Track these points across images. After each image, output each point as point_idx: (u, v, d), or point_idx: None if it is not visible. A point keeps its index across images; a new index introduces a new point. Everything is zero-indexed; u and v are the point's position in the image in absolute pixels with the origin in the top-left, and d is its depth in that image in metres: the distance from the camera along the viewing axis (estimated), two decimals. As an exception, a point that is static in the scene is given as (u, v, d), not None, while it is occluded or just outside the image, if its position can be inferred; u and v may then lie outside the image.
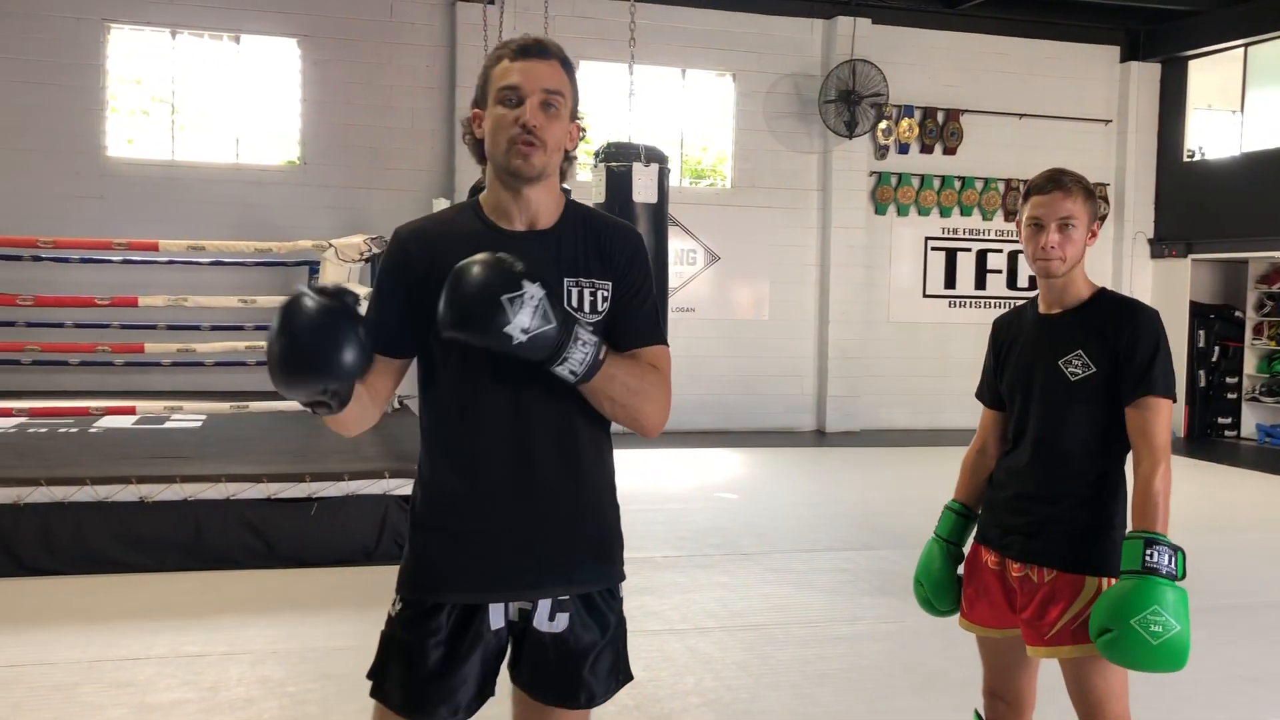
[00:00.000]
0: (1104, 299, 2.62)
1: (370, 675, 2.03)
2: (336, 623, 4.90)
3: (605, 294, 2.01)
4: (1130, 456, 2.54)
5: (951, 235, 12.82)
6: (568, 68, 2.00)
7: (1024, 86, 12.78)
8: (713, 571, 5.99)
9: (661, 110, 12.08)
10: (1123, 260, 13.24)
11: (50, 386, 9.62)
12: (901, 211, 12.59)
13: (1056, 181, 2.57)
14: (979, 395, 2.89)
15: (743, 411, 12.13)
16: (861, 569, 6.08)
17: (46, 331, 9.14)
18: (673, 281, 12.01)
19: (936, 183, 12.64)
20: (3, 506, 5.52)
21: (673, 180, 12.22)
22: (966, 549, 2.83)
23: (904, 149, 12.49)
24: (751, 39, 12.08)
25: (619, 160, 5.64)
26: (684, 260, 12.05)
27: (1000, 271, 12.96)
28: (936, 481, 9.05)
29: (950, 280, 12.80)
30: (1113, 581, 2.50)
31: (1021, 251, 11.95)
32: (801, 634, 4.94)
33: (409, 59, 11.21)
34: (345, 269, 6.67)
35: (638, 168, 5.58)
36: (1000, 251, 12.97)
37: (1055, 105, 12.91)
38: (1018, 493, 2.65)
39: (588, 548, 2.02)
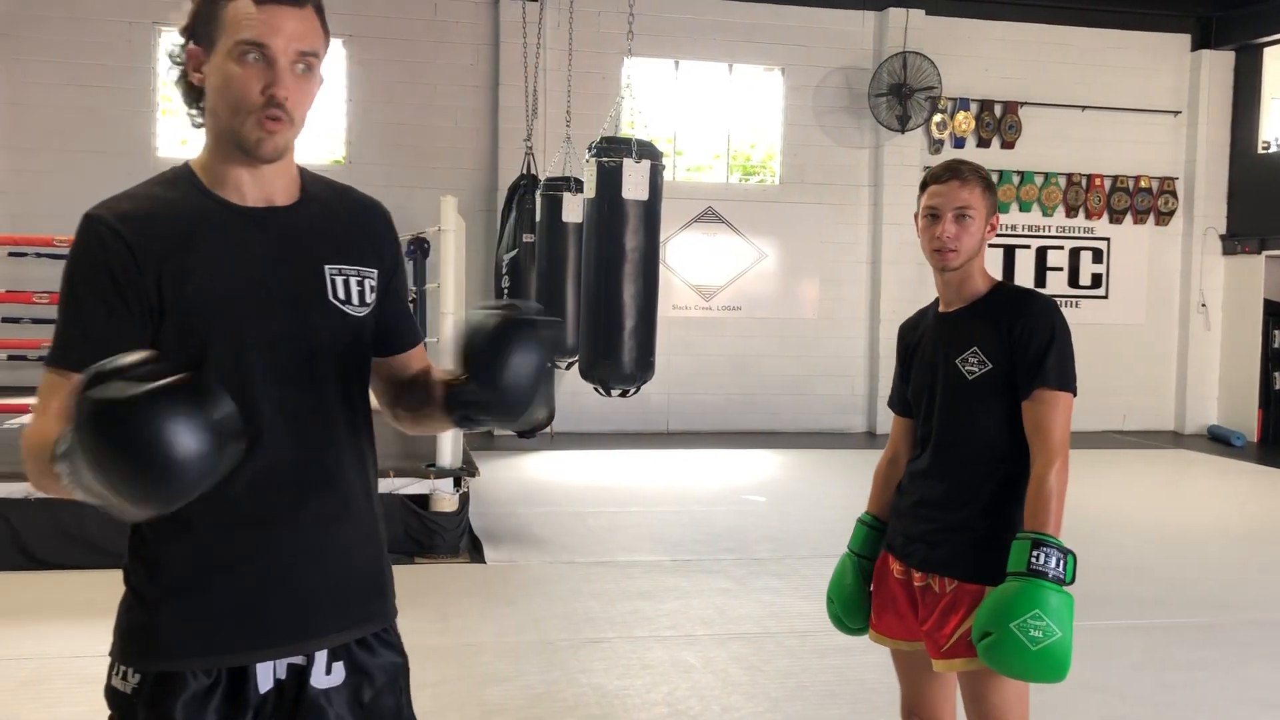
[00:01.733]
0: (1000, 292, 2.51)
1: None
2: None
3: (372, 283, 1.72)
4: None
5: (1010, 232, 12.42)
6: (321, 13, 1.64)
7: (1087, 77, 12.32)
8: (717, 577, 5.84)
9: (708, 106, 11.93)
10: (1192, 257, 12.71)
11: (21, 383, 9.87)
12: (956, 207, 12.22)
13: (954, 171, 2.46)
14: (890, 404, 2.77)
15: (790, 412, 11.91)
16: (876, 577, 5.87)
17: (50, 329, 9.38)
18: (719, 279, 11.86)
19: (994, 177, 12.23)
20: (11, 501, 5.61)
21: (719, 177, 12.11)
22: None
23: (959, 143, 12.14)
24: (800, 32, 11.85)
25: (610, 155, 5.52)
26: (731, 258, 11.87)
27: (1061, 269, 12.54)
28: None
29: (1008, 278, 12.39)
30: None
31: (1083, 249, 11.61)
32: (792, 644, 4.77)
33: (453, 57, 11.23)
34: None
35: (628, 163, 5.45)
36: (1061, 249, 12.54)
37: (1120, 96, 12.43)
38: (920, 499, 2.52)
39: (369, 580, 1.73)
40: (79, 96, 10.40)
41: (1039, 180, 12.35)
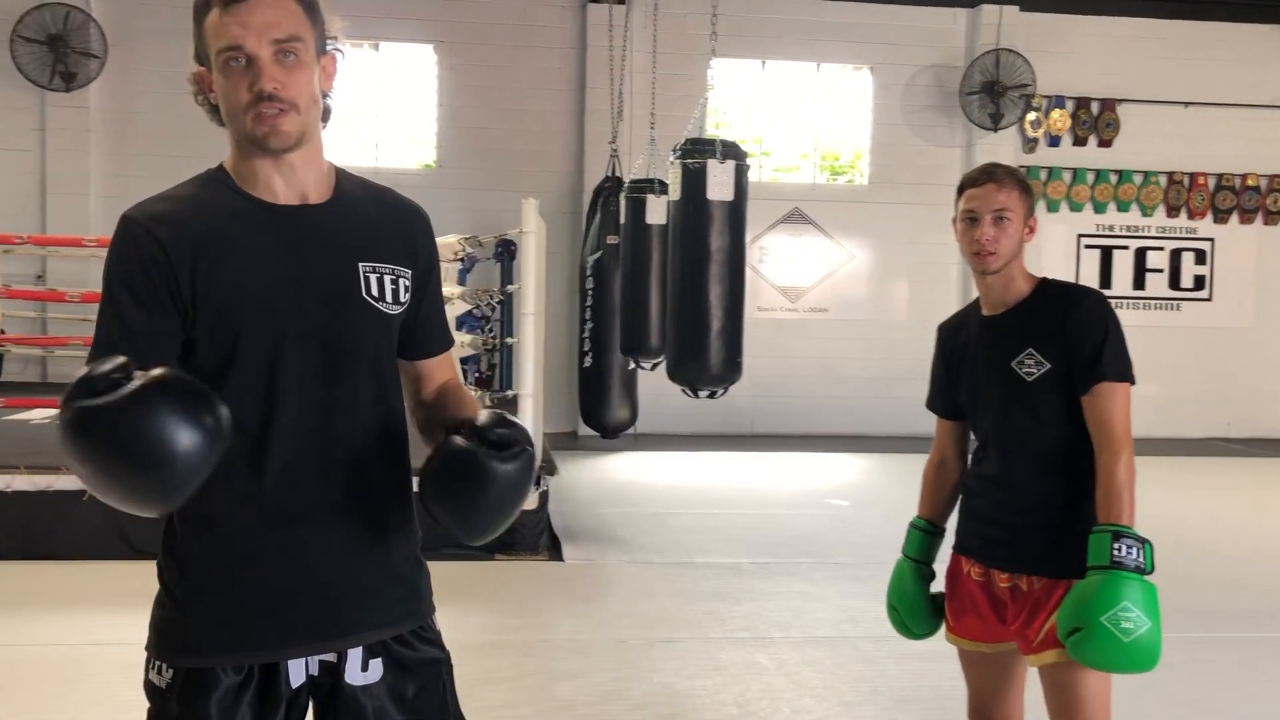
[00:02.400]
0: (1045, 290, 2.49)
1: None
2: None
3: (406, 283, 1.73)
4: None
5: (1107, 232, 12.08)
6: None
7: (1190, 72, 11.92)
8: (795, 580, 5.80)
9: (795, 106, 11.85)
10: (1306, 260, 12.22)
11: None
12: (1052, 207, 11.94)
13: (990, 174, 2.46)
14: (930, 406, 2.75)
15: (879, 416, 11.74)
16: (958, 582, 5.77)
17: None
18: (806, 281, 11.77)
19: (1090, 177, 11.94)
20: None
21: (806, 177, 12.01)
22: (938, 565, 2.70)
23: (1054, 141, 11.86)
24: (890, 30, 11.69)
25: (694, 156, 5.52)
26: (818, 259, 11.77)
27: (1161, 271, 12.14)
28: None
29: (1105, 280, 12.05)
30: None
31: (1185, 249, 11.23)
32: (869, 649, 4.71)
33: (540, 61, 11.34)
34: (441, 268, 6.77)
35: (713, 164, 5.44)
36: (1161, 250, 12.14)
37: (1225, 91, 11.99)
38: (994, 501, 2.51)
39: (404, 578, 1.75)
40: (181, 104, 10.63)
41: (1138, 179, 11.99)
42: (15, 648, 4.47)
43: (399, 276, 1.72)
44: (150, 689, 1.67)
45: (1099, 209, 12.03)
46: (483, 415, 1.63)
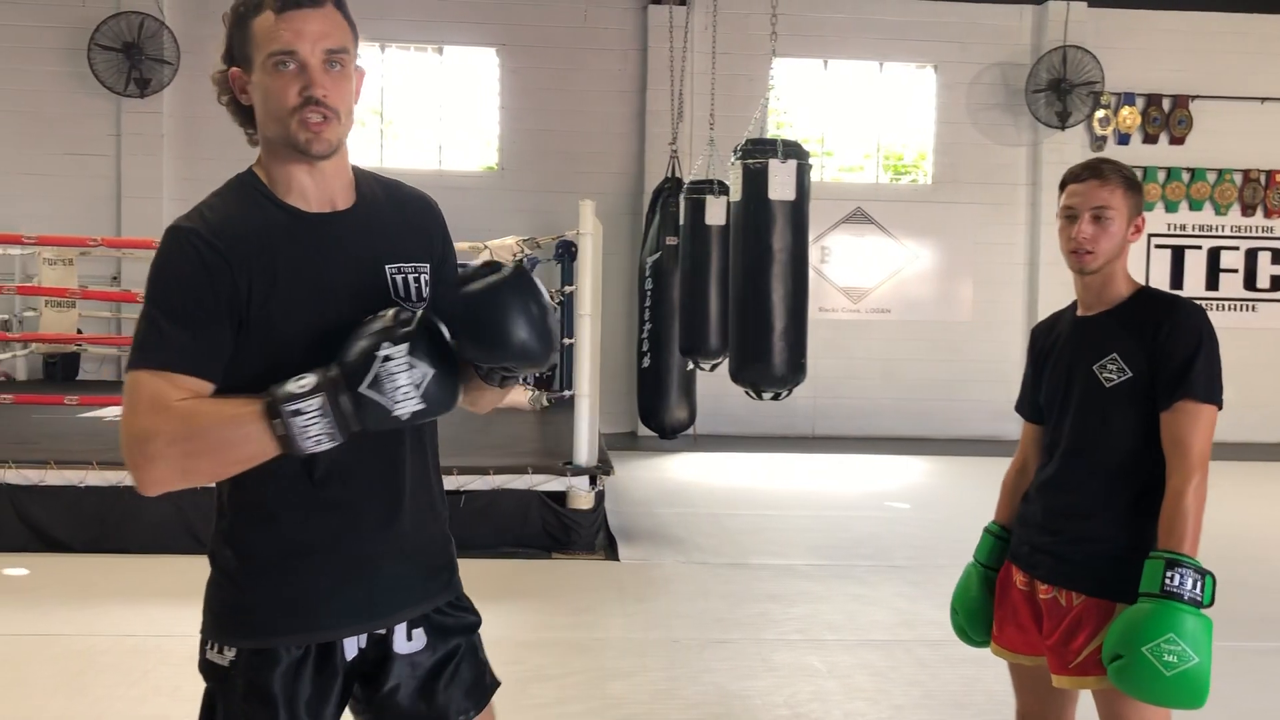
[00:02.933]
0: (1143, 297, 2.39)
1: None
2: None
3: (426, 278, 1.80)
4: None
5: (1179, 231, 11.83)
6: (343, 7, 1.69)
7: (1265, 67, 11.63)
8: (850, 583, 5.76)
9: (857, 106, 11.77)
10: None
11: None
12: (1120, 207, 11.71)
13: (1094, 170, 2.37)
14: (1018, 408, 2.68)
15: (941, 418, 11.62)
16: (1018, 587, 5.69)
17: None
18: (868, 281, 11.68)
19: (1161, 175, 11.70)
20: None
21: (869, 177, 11.92)
22: None
23: (1124, 139, 11.63)
24: (955, 28, 11.57)
25: (755, 156, 5.50)
26: (881, 260, 11.67)
27: (1236, 271, 11.86)
28: None
29: (1177, 280, 11.80)
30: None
31: (1261, 249, 10.96)
32: (923, 653, 4.67)
33: (602, 63, 11.40)
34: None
35: (774, 164, 5.42)
36: (1236, 249, 11.85)
37: (1304, 87, 11.69)
38: (1048, 508, 2.44)
39: (437, 560, 1.86)
40: (251, 109, 10.98)
41: (1211, 177, 11.72)
42: (86, 637, 4.60)
43: (420, 273, 1.79)
44: (210, 668, 1.75)
45: (1170, 208, 11.78)
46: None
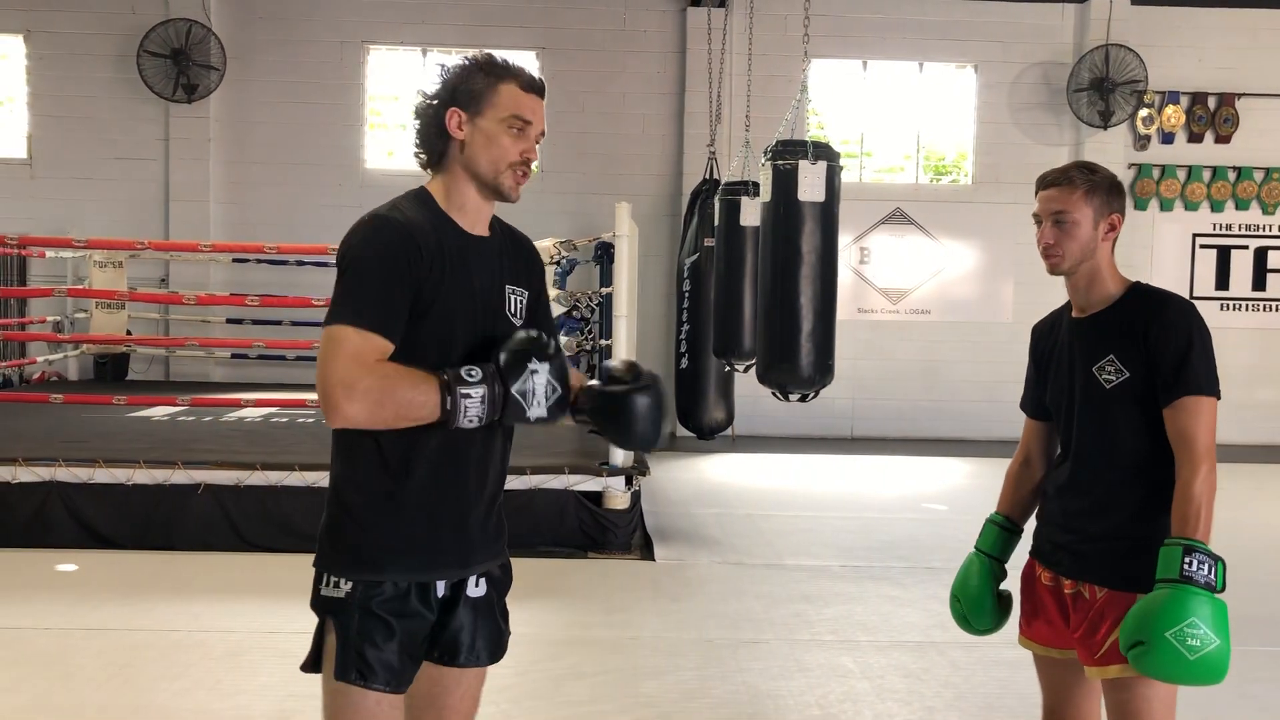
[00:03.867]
0: (1133, 295, 2.43)
1: (344, 664, 2.05)
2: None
3: (525, 301, 2.22)
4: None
5: (1225, 231, 11.67)
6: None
7: (1314, 64, 11.45)
8: (885, 584, 5.76)
9: (897, 106, 11.72)
10: None
11: (271, 379, 10.61)
12: (1165, 206, 11.59)
13: (1054, 178, 2.45)
14: (1021, 405, 2.74)
15: (983, 420, 11.53)
16: (1055, 590, 5.66)
17: (270, 329, 10.62)
18: (908, 282, 11.64)
19: (1207, 174, 11.55)
20: (225, 487, 6.10)
21: (909, 178, 11.87)
22: (1011, 564, 2.70)
23: (1168, 139, 11.50)
24: (995, 28, 11.49)
25: (785, 158, 5.52)
26: (921, 260, 11.62)
27: (1284, 271, 11.68)
28: None
29: (1223, 281, 11.65)
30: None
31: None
32: (956, 655, 4.66)
33: (641, 66, 11.44)
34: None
35: (804, 165, 5.44)
36: (1284, 249, 11.68)
37: (1354, 84, 11.49)
38: (1065, 507, 2.50)
39: (499, 527, 2.25)
40: (294, 113, 11.16)
41: (1258, 176, 11.54)
42: (131, 632, 4.72)
43: (524, 296, 2.23)
44: (327, 601, 2.08)
45: (1216, 207, 11.62)
46: (613, 363, 2.21)
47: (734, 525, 7.12)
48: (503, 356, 2.00)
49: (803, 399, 5.90)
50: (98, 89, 11.10)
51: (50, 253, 10.23)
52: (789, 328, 5.62)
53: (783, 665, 4.49)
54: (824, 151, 5.63)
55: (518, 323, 2.17)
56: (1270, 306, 11.65)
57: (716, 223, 8.32)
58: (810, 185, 5.42)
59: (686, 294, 10.05)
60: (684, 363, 10.22)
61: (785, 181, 5.50)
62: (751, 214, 7.68)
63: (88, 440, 6.80)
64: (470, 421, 1.96)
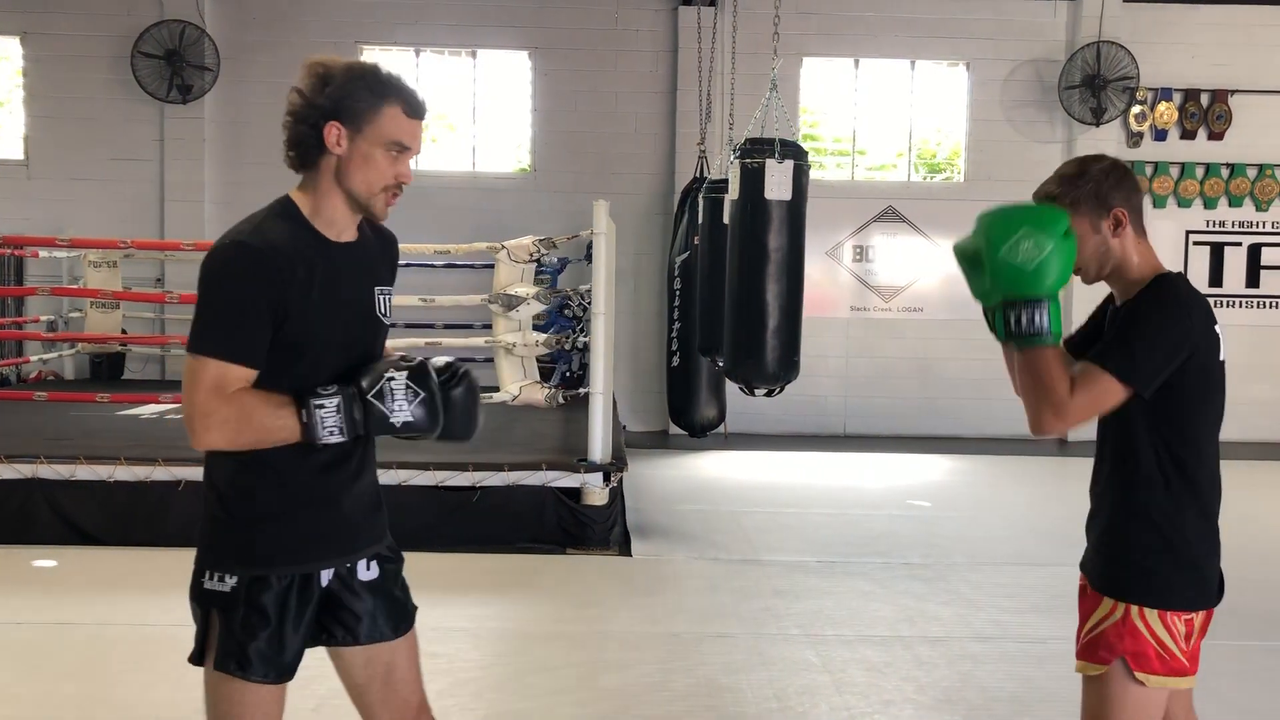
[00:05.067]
0: (1148, 286, 2.35)
1: (224, 655, 2.11)
2: (492, 604, 5.12)
3: (391, 299, 2.30)
4: (1178, 480, 2.32)
5: (1218, 228, 11.63)
6: None
7: (1309, 61, 11.41)
8: (859, 579, 5.78)
9: (889, 104, 11.73)
10: None
11: None
12: (1158, 203, 11.56)
13: (1044, 194, 2.45)
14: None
15: (976, 417, 11.52)
16: (1030, 586, 5.67)
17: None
18: (900, 280, 11.64)
19: (1200, 171, 11.52)
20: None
21: (901, 175, 11.87)
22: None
23: (1161, 135, 11.47)
24: (987, 25, 11.49)
25: (752, 156, 5.55)
26: (913, 258, 11.62)
27: (1278, 268, 11.63)
28: None
29: (1216, 278, 11.62)
30: (1129, 608, 2.31)
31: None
32: (921, 650, 4.69)
33: (633, 65, 11.47)
34: (518, 269, 6.95)
35: (771, 164, 5.46)
36: (1278, 246, 11.64)
37: (1349, 80, 11.45)
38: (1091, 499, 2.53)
39: (380, 510, 2.33)
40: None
41: (1252, 173, 11.50)
42: (103, 626, 4.78)
43: (389, 293, 2.28)
44: (211, 595, 2.14)
45: (1209, 204, 11.59)
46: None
47: (715, 522, 7.15)
48: (362, 371, 2.10)
49: (769, 394, 5.93)
50: (93, 90, 11.17)
51: (44, 252, 10.30)
52: (755, 324, 5.65)
53: (746, 659, 4.52)
54: (791, 150, 5.66)
55: (387, 321, 2.27)
56: (1264, 303, 11.63)
57: (700, 221, 8.35)
58: (777, 183, 5.44)
59: (677, 292, 10.06)
60: (675, 360, 10.23)
61: (753, 180, 5.53)
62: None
63: (72, 438, 6.86)
64: (331, 433, 2.04)
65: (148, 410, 8.12)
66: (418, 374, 2.08)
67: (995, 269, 2.27)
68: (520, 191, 11.46)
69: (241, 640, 2.11)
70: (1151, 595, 2.29)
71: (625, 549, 6.38)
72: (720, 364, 8.20)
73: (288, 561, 2.14)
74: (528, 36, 11.44)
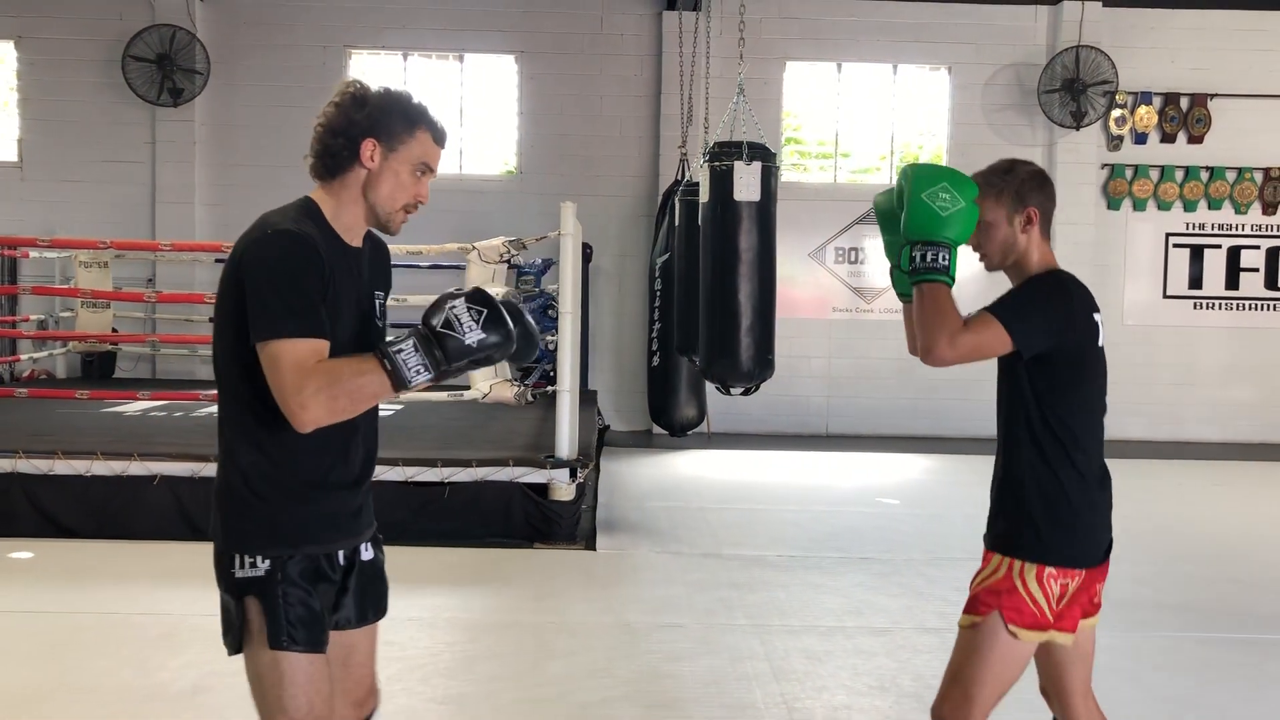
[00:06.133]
0: (1038, 275, 2.62)
1: (275, 633, 2.21)
2: (473, 596, 5.25)
3: (384, 303, 2.45)
4: (1055, 447, 2.56)
5: (1198, 231, 11.73)
6: None
7: (1286, 65, 11.51)
8: (814, 573, 5.91)
9: (871, 108, 11.86)
10: None
11: None
12: (1138, 206, 11.68)
13: (976, 176, 2.64)
14: None
15: (957, 417, 11.63)
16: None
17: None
18: (881, 282, 11.74)
19: (1179, 174, 11.62)
20: (180, 479, 6.30)
21: (884, 178, 11.99)
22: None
23: (1141, 139, 11.58)
24: (968, 30, 11.61)
25: (721, 159, 5.68)
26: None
27: (1257, 270, 11.73)
28: (1165, 496, 8.47)
29: (1196, 280, 11.72)
30: (1010, 565, 2.56)
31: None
32: (864, 640, 4.81)
33: (618, 69, 11.61)
34: (489, 270, 7.09)
35: (739, 166, 5.59)
36: (1257, 248, 11.73)
37: (1327, 84, 11.54)
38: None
39: (370, 496, 2.48)
40: (278, 116, 11.34)
41: (1231, 176, 11.61)
42: (71, 614, 4.92)
43: (383, 299, 2.45)
44: (243, 582, 2.23)
45: (1189, 207, 11.70)
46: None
47: (683, 518, 7.27)
48: (424, 315, 2.19)
49: (745, 393, 6.06)
50: (86, 93, 11.35)
51: (35, 253, 10.47)
52: (728, 324, 5.78)
53: (691, 648, 4.64)
54: (759, 153, 5.78)
55: (380, 325, 2.40)
56: (1243, 305, 11.72)
57: (677, 223, 8.48)
58: (746, 185, 5.58)
59: (658, 293, 10.19)
60: (656, 360, 10.37)
61: (722, 182, 5.66)
62: (707, 214, 7.82)
63: (52, 434, 7.00)
64: (417, 373, 2.10)
65: (131, 407, 8.27)
66: (476, 296, 2.16)
67: (914, 209, 2.49)
68: (506, 194, 11.61)
69: (290, 616, 2.21)
70: (1031, 552, 2.54)
71: (592, 544, 6.51)
72: (696, 362, 8.34)
73: (312, 541, 2.27)
74: (514, 41, 11.59)
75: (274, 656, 2.20)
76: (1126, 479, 10.20)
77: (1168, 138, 11.59)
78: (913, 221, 2.50)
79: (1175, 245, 11.74)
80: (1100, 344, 2.61)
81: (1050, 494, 2.54)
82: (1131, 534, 7.21)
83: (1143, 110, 11.52)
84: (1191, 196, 11.62)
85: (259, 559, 2.22)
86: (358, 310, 2.30)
